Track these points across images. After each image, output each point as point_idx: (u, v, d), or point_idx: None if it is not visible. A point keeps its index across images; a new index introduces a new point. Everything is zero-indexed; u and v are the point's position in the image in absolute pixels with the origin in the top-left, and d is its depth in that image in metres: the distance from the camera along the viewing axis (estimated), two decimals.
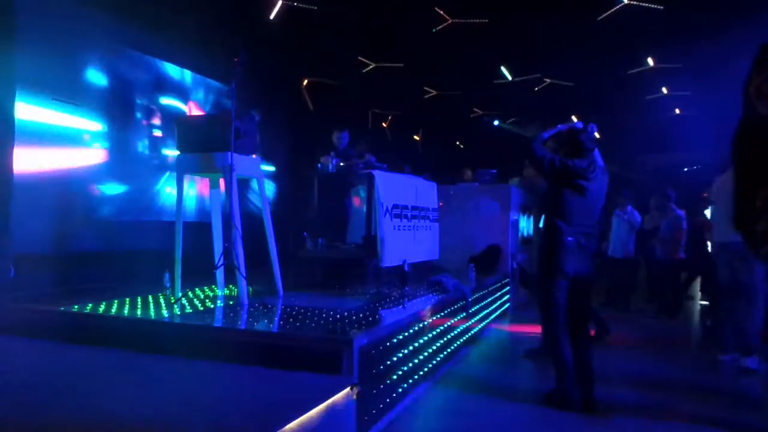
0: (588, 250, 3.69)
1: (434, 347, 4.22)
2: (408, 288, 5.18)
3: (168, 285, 4.58)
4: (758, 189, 1.54)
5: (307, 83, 9.69)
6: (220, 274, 4.60)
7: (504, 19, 7.67)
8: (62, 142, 5.18)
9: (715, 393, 4.14)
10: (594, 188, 3.64)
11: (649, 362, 5.02)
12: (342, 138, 6.31)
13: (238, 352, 3.05)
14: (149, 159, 6.22)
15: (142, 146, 6.13)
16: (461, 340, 5.01)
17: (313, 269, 6.04)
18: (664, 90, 10.52)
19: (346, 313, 3.70)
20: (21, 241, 4.50)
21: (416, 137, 13.99)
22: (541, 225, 4.25)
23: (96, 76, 5.55)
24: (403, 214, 5.89)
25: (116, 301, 4.06)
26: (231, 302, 4.20)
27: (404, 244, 5.81)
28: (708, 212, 9.11)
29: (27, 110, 4.79)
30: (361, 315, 3.65)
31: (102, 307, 3.84)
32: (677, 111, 11.82)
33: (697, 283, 9.02)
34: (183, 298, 4.22)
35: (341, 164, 5.97)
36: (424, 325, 4.00)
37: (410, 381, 3.65)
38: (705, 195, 9.02)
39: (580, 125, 3.77)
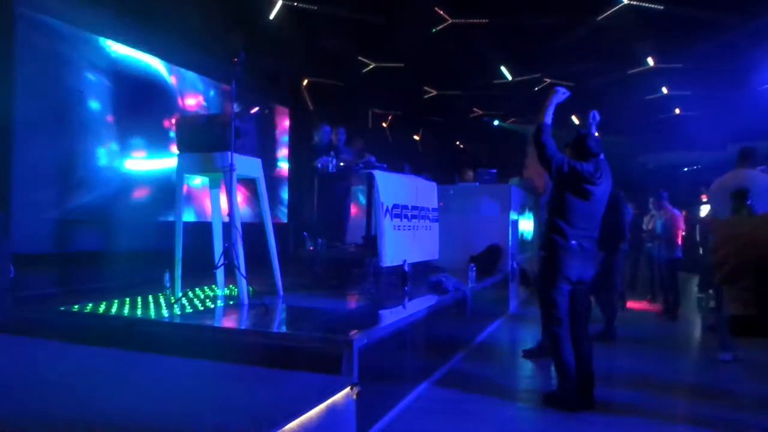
0: (590, 253, 3.69)
1: (434, 347, 4.22)
2: (408, 288, 5.17)
3: (168, 285, 4.58)
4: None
5: (307, 83, 9.69)
6: (220, 274, 4.60)
7: (504, 19, 7.67)
8: (62, 141, 5.19)
9: (715, 393, 4.14)
10: (599, 193, 3.65)
11: (648, 362, 5.02)
12: (340, 134, 6.34)
13: (238, 352, 3.05)
14: (149, 158, 6.22)
15: (142, 146, 6.13)
16: (461, 340, 5.01)
17: (313, 269, 6.04)
18: (664, 90, 10.52)
19: (346, 314, 3.70)
20: (21, 241, 4.50)
21: (416, 137, 13.99)
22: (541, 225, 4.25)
23: (96, 76, 5.55)
24: (403, 214, 5.89)
25: (116, 301, 4.06)
26: (231, 302, 4.19)
27: (404, 244, 5.81)
28: (703, 212, 9.14)
29: (28, 109, 4.79)
30: (361, 315, 3.65)
31: (102, 307, 3.84)
32: (677, 111, 11.82)
33: (695, 282, 9.04)
34: (183, 298, 4.22)
35: (341, 164, 5.98)
36: (423, 325, 4.00)
37: (410, 381, 3.65)
38: (703, 196, 9.04)
39: (566, 93, 3.71)
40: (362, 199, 6.36)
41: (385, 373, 3.26)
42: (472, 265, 6.19)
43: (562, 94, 3.68)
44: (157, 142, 6.31)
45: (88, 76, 5.46)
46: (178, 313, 3.73)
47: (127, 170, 5.89)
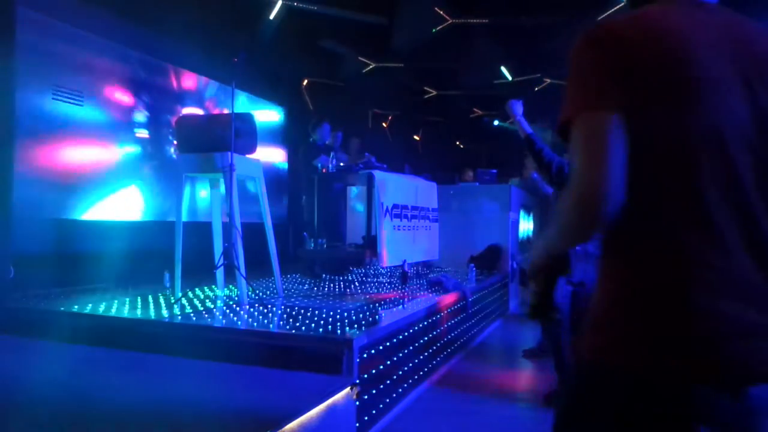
0: (592, 255, 3.69)
1: (434, 347, 4.22)
2: (408, 288, 5.18)
3: (168, 285, 4.57)
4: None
5: (307, 83, 9.69)
6: (220, 274, 4.60)
7: (504, 19, 7.67)
8: (63, 141, 5.19)
9: None
10: None
11: None
12: (337, 138, 6.34)
13: (238, 352, 3.05)
14: (149, 159, 6.22)
15: (142, 146, 6.13)
16: (461, 341, 5.01)
17: (313, 269, 6.05)
18: None
19: (346, 313, 3.70)
20: (21, 241, 4.50)
21: (416, 137, 14.00)
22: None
23: (96, 76, 5.55)
24: (403, 214, 5.90)
25: (116, 301, 4.06)
26: (231, 302, 4.19)
27: (404, 244, 5.82)
28: None
29: (28, 107, 4.79)
30: (361, 315, 3.65)
31: (102, 307, 3.84)
32: None
33: None
34: (183, 298, 4.22)
35: (341, 164, 5.98)
36: (423, 325, 4.00)
37: (410, 381, 3.65)
38: None
39: (517, 102, 3.77)
40: (355, 198, 6.36)
41: (385, 373, 3.26)
42: (472, 265, 6.19)
43: (515, 104, 3.75)
44: (157, 142, 6.31)
45: (89, 76, 5.46)
46: (178, 313, 3.73)
47: (127, 170, 5.89)
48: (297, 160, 8.25)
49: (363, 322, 3.39)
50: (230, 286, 4.80)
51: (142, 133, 6.14)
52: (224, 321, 3.52)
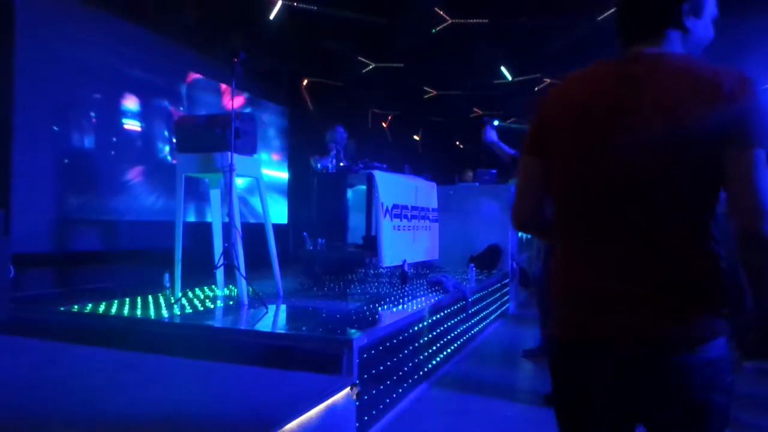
0: None
1: (434, 347, 4.22)
2: (408, 288, 5.18)
3: (168, 285, 4.57)
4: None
5: (307, 83, 9.69)
6: (220, 274, 4.60)
7: (504, 19, 7.67)
8: (63, 141, 5.19)
9: None
10: None
11: None
12: (342, 135, 6.35)
13: (237, 352, 3.05)
14: (150, 159, 6.22)
15: (142, 146, 6.14)
16: (461, 341, 5.01)
17: (313, 269, 6.05)
18: None
19: (346, 314, 3.70)
20: (21, 241, 4.50)
21: (416, 137, 13.99)
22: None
23: (96, 76, 5.55)
24: (403, 214, 5.90)
25: (116, 301, 4.06)
26: (231, 302, 4.19)
27: (404, 244, 5.82)
28: None
29: (28, 109, 4.79)
30: (361, 315, 3.65)
31: (102, 307, 3.84)
32: None
33: None
34: (183, 298, 4.22)
35: (341, 164, 5.98)
36: (423, 325, 4.00)
37: (410, 381, 3.65)
38: None
39: (490, 126, 3.83)
40: (355, 198, 6.36)
41: (385, 373, 3.26)
42: (472, 265, 6.19)
43: (489, 132, 3.77)
44: (157, 142, 6.31)
45: (89, 76, 5.46)
46: (178, 313, 3.73)
47: (127, 170, 5.89)
48: (297, 160, 8.27)
49: (363, 322, 3.39)
50: (230, 286, 4.80)
51: (142, 133, 6.14)
52: (224, 321, 3.52)
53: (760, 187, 1.13)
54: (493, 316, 6.55)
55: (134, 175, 5.96)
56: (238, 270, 3.97)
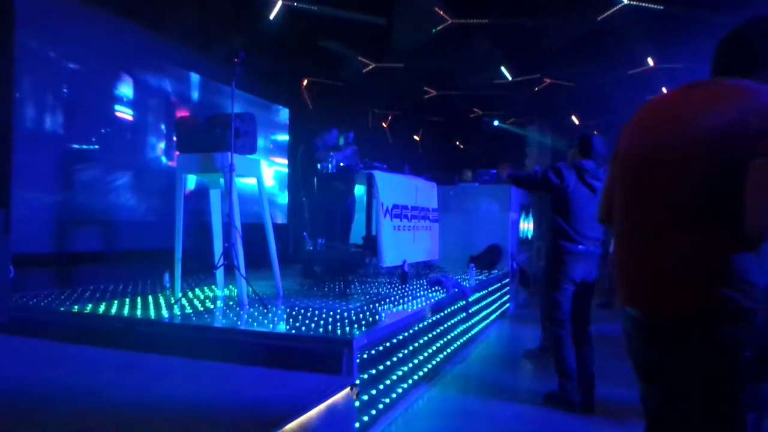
0: (595, 256, 3.69)
1: (434, 347, 4.22)
2: (408, 288, 5.18)
3: (168, 285, 4.57)
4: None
5: (307, 83, 9.69)
6: (220, 274, 4.60)
7: (504, 19, 7.67)
8: (63, 141, 5.19)
9: None
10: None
11: None
12: (348, 136, 6.38)
13: (238, 352, 3.05)
14: (150, 159, 6.22)
15: (142, 146, 6.13)
16: (461, 341, 5.01)
17: (313, 269, 6.05)
18: (664, 90, 10.51)
19: (346, 313, 3.70)
20: (21, 241, 4.50)
21: (416, 137, 14.00)
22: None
23: (96, 76, 5.55)
24: (403, 214, 5.89)
25: (116, 301, 4.06)
26: (231, 302, 4.19)
27: (404, 244, 5.82)
28: None
29: (28, 109, 4.79)
30: (361, 315, 3.65)
31: (102, 307, 3.84)
32: None
33: None
34: (183, 298, 4.22)
35: (341, 164, 5.98)
36: (423, 325, 4.00)
37: (410, 381, 3.65)
38: None
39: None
40: (355, 198, 6.37)
41: (385, 373, 3.26)
42: (472, 265, 6.19)
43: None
44: (157, 142, 6.31)
45: (89, 76, 5.46)
46: (178, 313, 3.73)
47: (127, 170, 5.89)
48: (296, 159, 8.28)
49: (363, 322, 3.39)
50: (230, 286, 4.80)
51: (142, 133, 6.14)
52: (224, 321, 3.52)
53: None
54: (493, 316, 6.55)
55: (134, 175, 5.96)
56: (238, 270, 3.97)
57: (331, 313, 3.73)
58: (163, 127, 6.39)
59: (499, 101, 11.67)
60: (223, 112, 5.04)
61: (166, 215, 6.02)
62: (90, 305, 3.89)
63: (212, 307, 4.01)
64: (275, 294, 4.54)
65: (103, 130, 5.62)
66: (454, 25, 7.91)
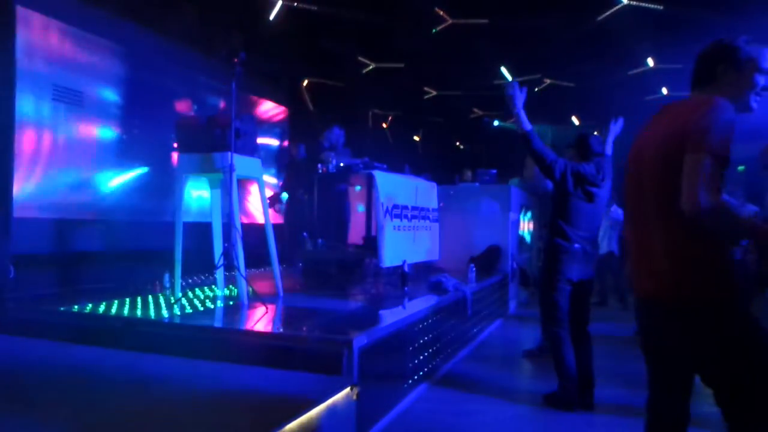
0: (592, 256, 3.70)
1: (434, 347, 4.22)
2: (408, 288, 5.18)
3: (168, 285, 4.57)
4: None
5: (307, 83, 9.69)
6: (220, 274, 4.60)
7: (504, 19, 7.67)
8: (63, 141, 5.19)
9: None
10: (601, 194, 3.68)
11: None
12: (339, 135, 6.38)
13: (237, 352, 3.05)
14: (150, 159, 6.22)
15: (142, 146, 6.13)
16: (461, 341, 5.01)
17: (312, 269, 6.04)
18: (665, 90, 10.52)
19: (346, 314, 3.70)
20: (21, 241, 4.50)
21: (416, 137, 14.00)
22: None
23: (96, 76, 5.55)
24: (403, 214, 5.89)
25: (116, 301, 4.06)
26: (231, 302, 4.19)
27: (404, 245, 5.81)
28: None
29: (28, 109, 4.80)
30: (361, 315, 3.65)
31: (102, 307, 3.84)
32: None
33: None
34: (183, 298, 4.22)
35: (341, 164, 5.97)
36: (423, 325, 4.00)
37: (410, 381, 3.65)
38: None
39: (515, 88, 3.57)
40: (355, 198, 6.36)
41: (385, 373, 3.26)
42: (472, 265, 6.19)
43: (516, 90, 3.55)
44: (157, 142, 6.30)
45: (89, 76, 5.46)
46: (178, 313, 3.73)
47: (127, 170, 5.89)
48: (296, 159, 8.25)
49: (363, 323, 3.39)
50: (230, 286, 4.80)
51: (142, 133, 6.14)
52: (224, 321, 3.52)
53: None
54: (493, 316, 6.55)
55: (134, 174, 5.96)
56: (238, 270, 3.97)
57: (331, 313, 3.72)
58: (162, 127, 6.39)
59: (499, 101, 11.66)
60: (222, 112, 5.04)
61: (166, 215, 6.03)
62: (90, 305, 3.89)
63: (212, 307, 4.01)
64: (275, 294, 4.54)
65: (103, 130, 5.61)
66: (454, 25, 7.91)
